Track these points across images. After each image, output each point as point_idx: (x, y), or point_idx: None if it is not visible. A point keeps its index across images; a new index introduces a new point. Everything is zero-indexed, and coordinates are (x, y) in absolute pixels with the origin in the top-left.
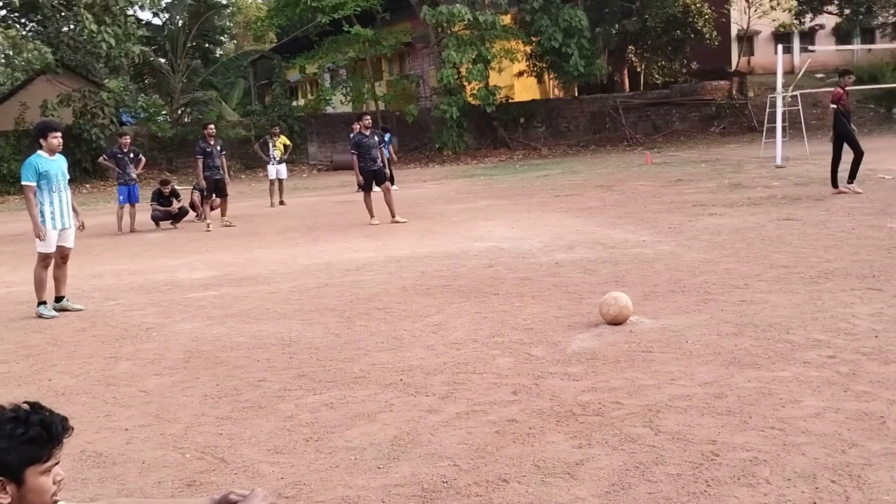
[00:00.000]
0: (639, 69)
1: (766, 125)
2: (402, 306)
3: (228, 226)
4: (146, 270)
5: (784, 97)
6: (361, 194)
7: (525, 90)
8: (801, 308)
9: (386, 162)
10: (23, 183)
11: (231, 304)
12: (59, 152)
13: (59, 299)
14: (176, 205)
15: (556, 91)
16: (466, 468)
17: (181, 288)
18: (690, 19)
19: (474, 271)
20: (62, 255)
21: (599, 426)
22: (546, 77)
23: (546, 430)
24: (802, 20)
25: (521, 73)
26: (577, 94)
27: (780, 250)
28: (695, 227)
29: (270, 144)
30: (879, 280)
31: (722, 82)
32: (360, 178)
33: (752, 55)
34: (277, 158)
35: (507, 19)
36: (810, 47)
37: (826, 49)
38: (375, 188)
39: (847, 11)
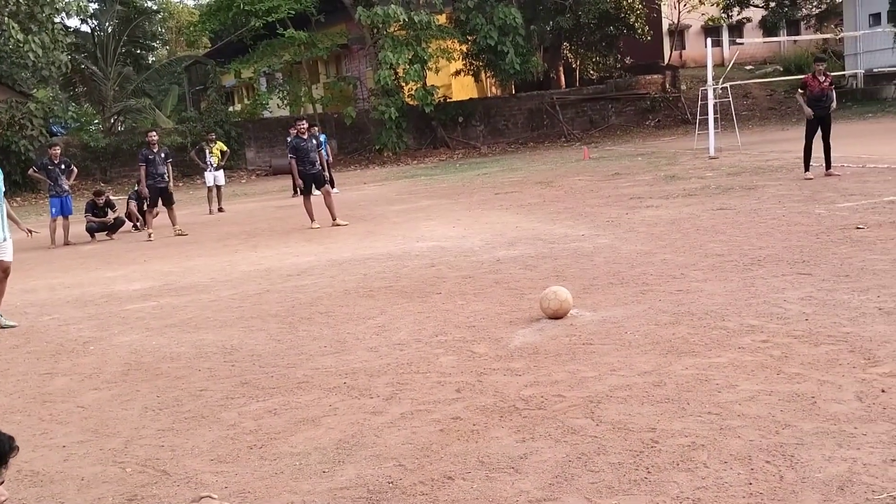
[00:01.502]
0: (574, 65)
1: (698, 117)
2: (344, 309)
3: (181, 234)
4: (82, 283)
5: (715, 89)
6: (301, 199)
7: (463, 89)
8: (735, 295)
9: (325, 165)
10: None
11: (171, 315)
12: None
13: None
14: (111, 215)
15: (494, 89)
16: (412, 468)
17: (119, 300)
18: (623, 15)
19: (416, 271)
20: (2, 268)
21: (542, 419)
22: (483, 76)
23: (490, 425)
24: (730, 14)
25: (458, 73)
26: (514, 92)
27: (714, 239)
28: (632, 220)
29: (207, 151)
30: (809, 265)
31: (655, 76)
32: (300, 182)
33: (684, 49)
34: (215, 165)
35: (442, 19)
36: (738, 40)
37: (753, 41)
38: (315, 192)
39: (772, 4)
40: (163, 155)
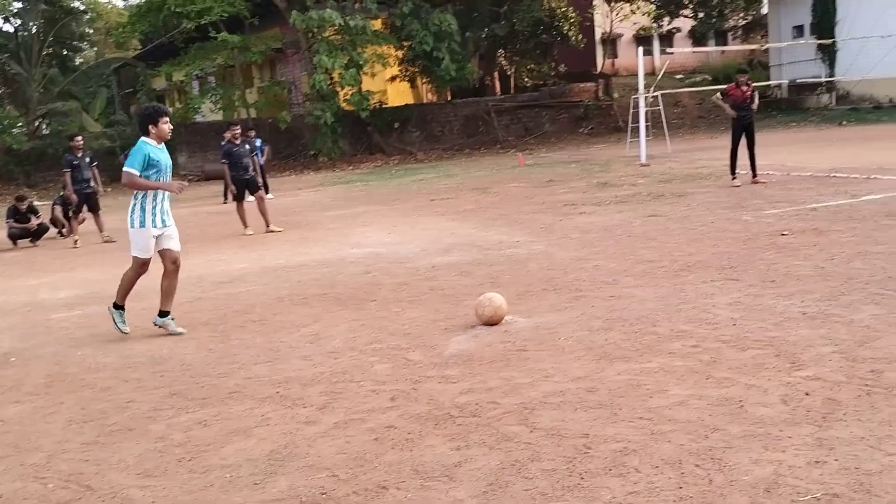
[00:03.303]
0: (509, 73)
1: (630, 125)
2: (278, 317)
3: (109, 241)
4: (3, 291)
5: (646, 98)
6: (233, 205)
7: (398, 95)
8: (666, 301)
9: (259, 170)
10: (126, 170)
11: (97, 324)
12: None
13: (163, 314)
14: (34, 221)
15: (430, 95)
16: (345, 478)
17: (43, 309)
18: (556, 23)
19: (352, 278)
20: (172, 259)
21: (477, 427)
22: (419, 82)
23: (424, 434)
24: (661, 23)
25: (393, 78)
26: (449, 99)
27: (646, 246)
28: (566, 227)
29: None
30: (737, 271)
31: (589, 84)
32: (233, 187)
33: (616, 57)
34: None
35: (377, 24)
36: (669, 49)
37: (683, 51)
38: (249, 197)
39: (701, 15)
40: (88, 160)
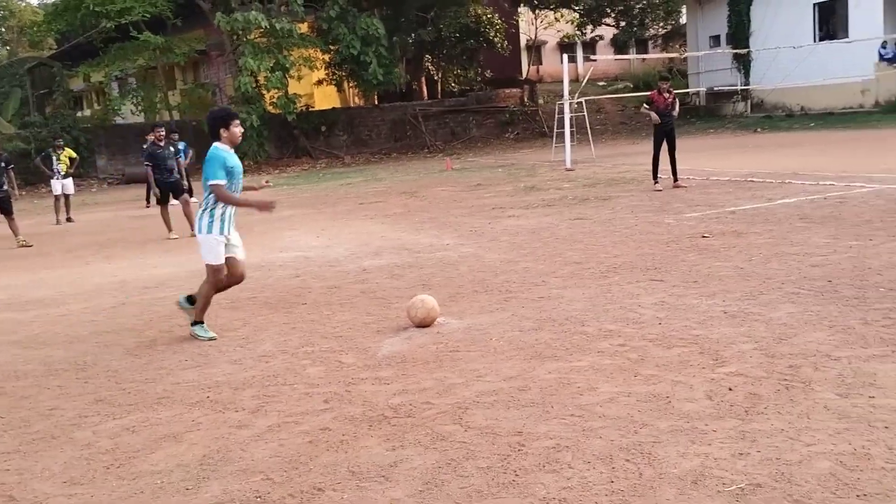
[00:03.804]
0: (436, 77)
1: (555, 130)
2: (206, 321)
3: (25, 245)
4: None
5: (570, 104)
6: (156, 208)
7: (325, 98)
8: (593, 301)
9: (184, 173)
10: (210, 183)
11: (15, 331)
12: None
13: (191, 299)
14: None
15: (357, 99)
16: (280, 481)
17: None
18: (482, 29)
19: (281, 282)
20: (237, 269)
21: (411, 427)
22: (346, 85)
23: (359, 435)
24: (584, 31)
25: (320, 82)
26: (377, 103)
27: (572, 248)
28: (495, 230)
29: (54, 158)
30: (661, 272)
31: (514, 90)
32: (156, 190)
33: (541, 64)
34: (63, 173)
35: (304, 27)
36: (592, 57)
37: (606, 58)
38: (173, 201)
39: (623, 23)
40: (2, 164)
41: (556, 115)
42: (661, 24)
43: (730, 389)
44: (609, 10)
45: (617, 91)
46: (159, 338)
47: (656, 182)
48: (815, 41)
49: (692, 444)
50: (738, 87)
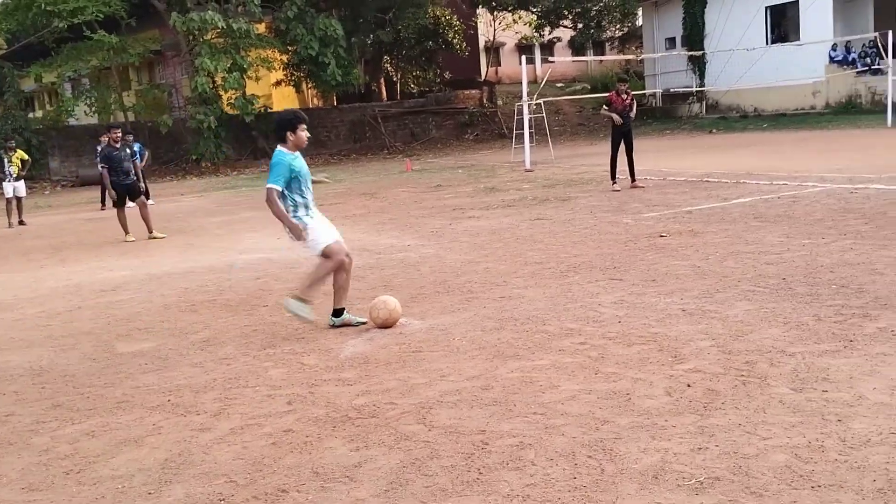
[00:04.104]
0: (395, 79)
1: (514, 131)
2: (165, 325)
3: None
4: None
5: (529, 105)
6: (112, 211)
7: (284, 99)
8: (554, 300)
9: (140, 175)
10: (269, 186)
11: None
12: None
13: (338, 312)
14: None
15: (315, 100)
16: (243, 483)
17: None
18: (441, 31)
19: (241, 284)
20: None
21: (375, 427)
22: (304, 86)
23: (323, 436)
24: (542, 33)
25: (278, 83)
26: (336, 104)
27: (533, 248)
28: (455, 230)
29: (6, 160)
30: (620, 271)
31: (473, 91)
32: (113, 193)
33: (500, 66)
34: (14, 175)
35: (261, 28)
36: (550, 58)
37: (564, 60)
38: (129, 203)
39: (580, 25)
40: None
41: (515, 117)
42: (618, 26)
43: (688, 386)
44: (566, 13)
45: (575, 92)
46: (117, 342)
47: (614, 182)
48: (767, 44)
49: (652, 440)
50: (694, 89)
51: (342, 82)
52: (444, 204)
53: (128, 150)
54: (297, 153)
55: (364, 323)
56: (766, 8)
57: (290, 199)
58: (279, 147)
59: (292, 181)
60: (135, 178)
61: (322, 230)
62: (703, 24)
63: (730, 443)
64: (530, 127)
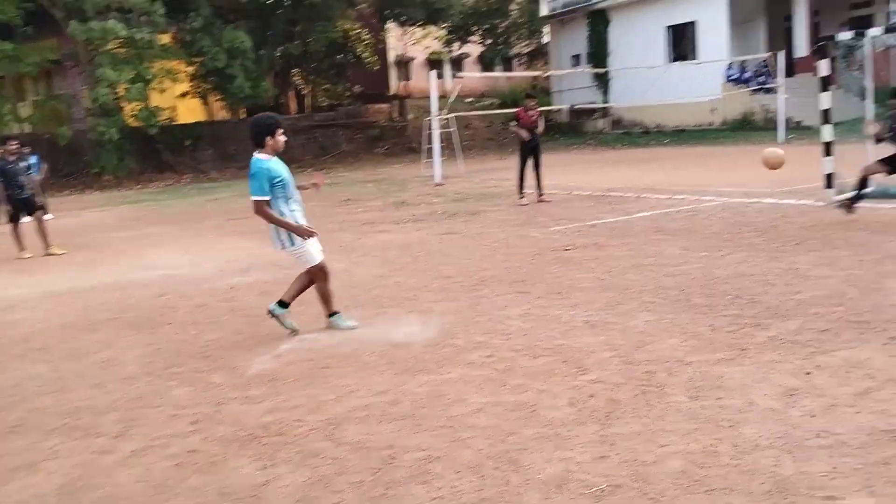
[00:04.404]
0: (304, 92)
1: (424, 146)
2: (64, 345)
3: None
4: None
5: (439, 119)
6: (7, 226)
7: (189, 112)
8: (463, 314)
9: (38, 189)
10: (255, 198)
11: None
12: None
13: (284, 304)
14: None
15: (223, 113)
16: None
17: None
18: (351, 44)
19: (145, 301)
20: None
21: (283, 445)
22: (211, 99)
23: (229, 455)
24: (451, 48)
25: (184, 94)
26: (244, 117)
27: (443, 262)
28: (366, 245)
29: None
30: (527, 284)
31: (384, 105)
32: (8, 207)
33: (410, 80)
34: None
35: (166, 38)
36: (459, 73)
37: (473, 76)
38: (25, 218)
39: (489, 42)
40: None
41: (426, 131)
42: (526, 42)
43: (591, 396)
44: (475, 29)
45: (484, 107)
46: (11, 362)
47: (522, 196)
48: (668, 62)
49: (556, 450)
50: (599, 105)
51: (250, 95)
52: (355, 218)
53: (23, 164)
54: (275, 157)
55: (297, 332)
56: (667, 28)
57: (275, 206)
58: (256, 154)
59: (274, 187)
60: (31, 192)
61: (311, 245)
62: (607, 42)
63: (630, 451)
64: (440, 141)
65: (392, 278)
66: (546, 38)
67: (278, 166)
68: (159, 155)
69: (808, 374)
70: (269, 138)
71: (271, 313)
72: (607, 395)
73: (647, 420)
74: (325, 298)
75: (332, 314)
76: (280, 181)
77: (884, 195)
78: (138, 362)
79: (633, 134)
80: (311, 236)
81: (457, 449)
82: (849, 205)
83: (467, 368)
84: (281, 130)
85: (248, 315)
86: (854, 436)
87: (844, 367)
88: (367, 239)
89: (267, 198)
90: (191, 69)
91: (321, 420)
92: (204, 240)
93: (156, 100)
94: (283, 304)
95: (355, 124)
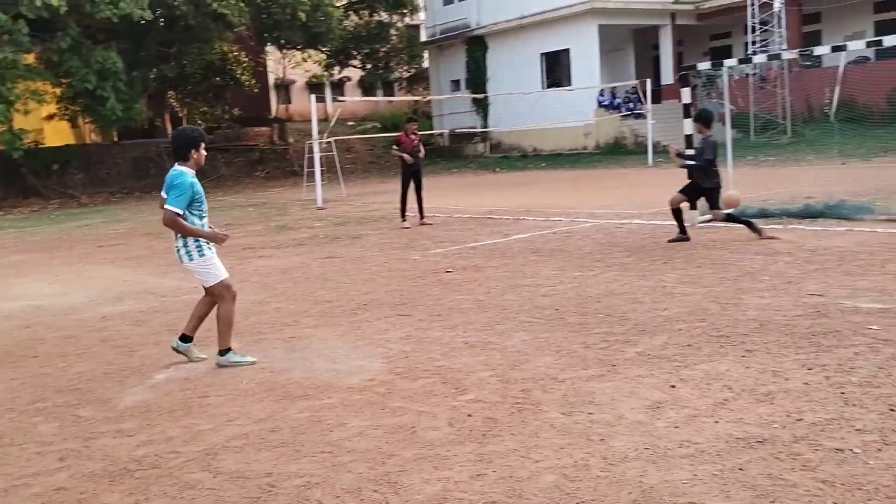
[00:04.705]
0: (181, 114)
1: (306, 169)
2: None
3: None
4: None
5: (320, 143)
6: None
7: (57, 135)
8: (344, 338)
9: None
10: (169, 208)
11: None
12: None
13: (186, 339)
14: None
15: (94, 136)
16: None
17: None
18: (229, 66)
19: (7, 334)
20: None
21: (157, 478)
22: (81, 121)
23: (99, 492)
24: (332, 72)
25: (51, 116)
26: (116, 140)
27: (324, 287)
28: (245, 270)
29: None
30: (408, 307)
31: (264, 128)
32: None
33: (290, 103)
34: None
35: (30, 58)
36: (340, 97)
37: (353, 100)
38: None
39: (369, 66)
40: None
41: (307, 154)
42: (406, 67)
43: (469, 415)
44: (355, 53)
45: (366, 131)
46: None
47: (404, 220)
48: (543, 88)
49: (435, 470)
50: (478, 129)
51: (123, 118)
52: (235, 243)
53: None
54: (194, 173)
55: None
56: (542, 54)
57: (189, 221)
58: (179, 166)
59: (193, 203)
60: None
61: (218, 261)
62: (485, 67)
63: (506, 467)
64: (322, 165)
65: (272, 304)
66: (426, 64)
67: (198, 184)
68: (24, 179)
69: (672, 387)
70: (193, 151)
71: (176, 350)
72: (485, 413)
73: (523, 437)
74: (226, 327)
75: (225, 350)
76: (199, 199)
77: (763, 215)
78: (0, 398)
79: (511, 157)
80: (226, 238)
81: (337, 473)
82: (758, 230)
83: (347, 393)
84: (203, 144)
85: (120, 346)
86: (713, 444)
87: (705, 379)
88: (247, 264)
89: (182, 211)
90: (58, 90)
91: (198, 451)
92: (73, 268)
93: (20, 122)
94: (185, 338)
95: (235, 147)
